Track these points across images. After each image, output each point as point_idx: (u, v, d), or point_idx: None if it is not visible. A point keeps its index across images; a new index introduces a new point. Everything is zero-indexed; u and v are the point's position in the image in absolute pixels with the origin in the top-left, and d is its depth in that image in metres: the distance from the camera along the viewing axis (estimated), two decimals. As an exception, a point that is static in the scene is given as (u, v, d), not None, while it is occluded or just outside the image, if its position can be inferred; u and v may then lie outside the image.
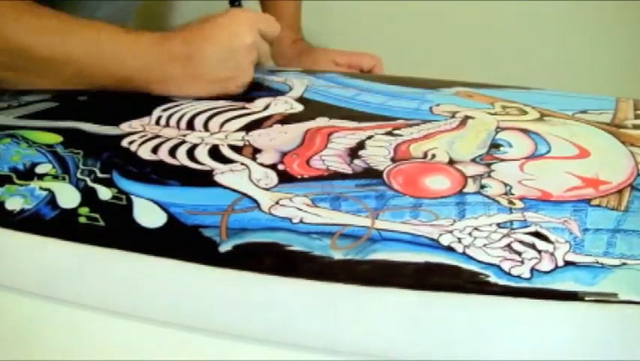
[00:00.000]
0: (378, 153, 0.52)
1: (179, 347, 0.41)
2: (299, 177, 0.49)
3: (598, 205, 0.46)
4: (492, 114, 0.60)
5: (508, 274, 0.40)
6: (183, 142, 0.54)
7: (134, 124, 0.57)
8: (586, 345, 0.38)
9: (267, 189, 0.47)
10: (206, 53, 0.61)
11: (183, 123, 0.58)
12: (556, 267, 0.40)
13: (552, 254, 0.41)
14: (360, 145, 0.54)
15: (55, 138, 0.54)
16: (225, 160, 0.51)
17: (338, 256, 0.41)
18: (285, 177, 0.49)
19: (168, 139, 0.54)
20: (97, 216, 0.45)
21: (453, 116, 0.59)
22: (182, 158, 0.52)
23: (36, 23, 0.58)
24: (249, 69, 0.63)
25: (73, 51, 0.59)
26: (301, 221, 0.44)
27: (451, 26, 1.15)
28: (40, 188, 0.48)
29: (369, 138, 0.55)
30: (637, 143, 0.54)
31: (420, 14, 1.18)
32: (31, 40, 0.58)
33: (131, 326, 0.41)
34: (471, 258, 0.41)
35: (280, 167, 0.51)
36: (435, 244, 0.42)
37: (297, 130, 0.57)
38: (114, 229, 0.45)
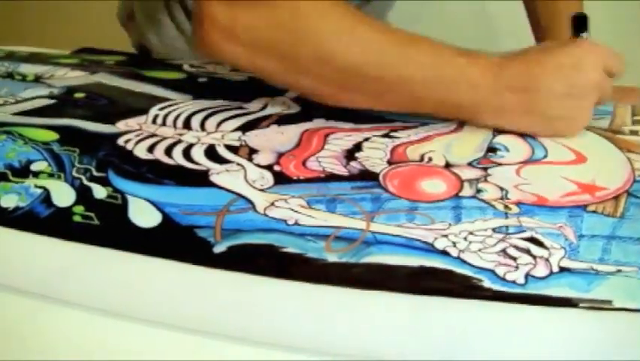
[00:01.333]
0: (374, 155, 0.52)
1: (173, 347, 0.41)
2: (295, 178, 0.49)
3: (594, 211, 0.45)
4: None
5: (503, 279, 0.40)
6: (179, 141, 0.54)
7: (131, 122, 0.57)
8: (580, 352, 0.38)
9: (263, 190, 0.47)
10: (546, 85, 0.53)
11: (180, 122, 0.57)
12: (551, 273, 0.40)
13: (547, 260, 0.41)
14: (357, 147, 0.54)
15: (51, 136, 0.54)
16: (221, 160, 0.51)
17: (332, 258, 0.41)
18: (281, 178, 0.49)
19: (164, 138, 0.54)
20: (91, 215, 0.45)
21: (450, 119, 0.59)
22: (178, 157, 0.52)
23: (369, 38, 0.54)
24: (587, 112, 0.55)
25: (412, 74, 0.54)
26: (296, 223, 0.44)
27: (450, 26, 1.15)
28: (36, 186, 0.48)
29: (366, 139, 0.55)
30: (634, 149, 0.54)
31: (419, 14, 1.18)
32: (364, 59, 0.54)
33: (124, 325, 0.41)
34: (465, 262, 0.41)
35: (276, 168, 0.50)
36: (430, 248, 0.42)
37: (293, 131, 0.56)
38: (109, 229, 0.44)
